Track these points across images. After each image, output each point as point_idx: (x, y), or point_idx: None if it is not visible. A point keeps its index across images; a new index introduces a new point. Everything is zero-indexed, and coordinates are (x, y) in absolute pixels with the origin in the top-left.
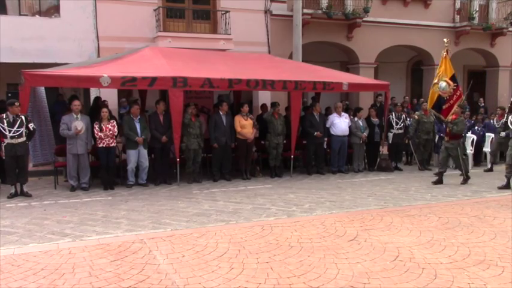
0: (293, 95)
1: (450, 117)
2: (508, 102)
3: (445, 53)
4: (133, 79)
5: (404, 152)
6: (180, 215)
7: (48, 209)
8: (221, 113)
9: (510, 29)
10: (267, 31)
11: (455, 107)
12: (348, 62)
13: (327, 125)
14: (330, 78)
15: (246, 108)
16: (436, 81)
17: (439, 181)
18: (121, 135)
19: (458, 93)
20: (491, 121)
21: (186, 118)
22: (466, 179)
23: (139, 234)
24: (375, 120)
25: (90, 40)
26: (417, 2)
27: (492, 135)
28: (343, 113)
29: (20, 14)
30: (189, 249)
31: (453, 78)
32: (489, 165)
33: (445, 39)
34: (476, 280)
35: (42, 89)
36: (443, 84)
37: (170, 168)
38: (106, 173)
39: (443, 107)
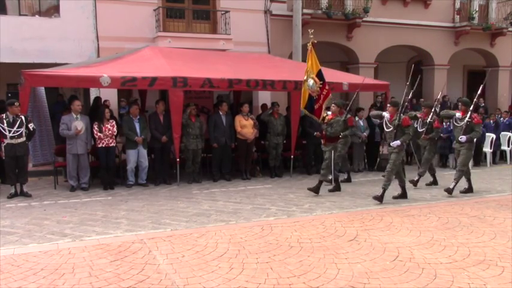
0: (293, 95)
1: (327, 118)
2: (508, 102)
3: (310, 47)
4: (133, 79)
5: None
6: (180, 215)
7: (48, 209)
8: (221, 113)
9: (510, 29)
10: (267, 31)
11: (332, 106)
12: (348, 62)
13: None
14: (330, 78)
15: (246, 108)
16: (305, 78)
17: (337, 188)
18: (121, 135)
19: (325, 92)
20: (491, 121)
21: (184, 118)
22: (335, 187)
23: (139, 234)
24: (375, 120)
25: (90, 40)
26: (417, 2)
27: (492, 135)
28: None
29: (20, 14)
30: (189, 249)
31: (319, 75)
32: (416, 178)
33: (309, 30)
34: (476, 280)
35: (42, 89)
36: (311, 81)
37: (170, 168)
38: (106, 173)
39: (315, 106)
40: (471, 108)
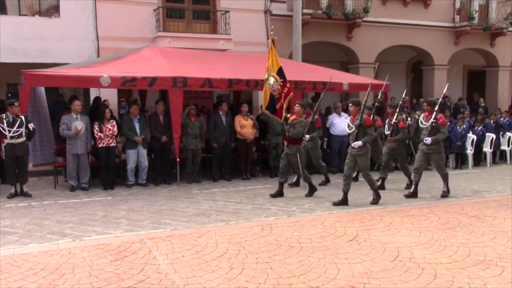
0: (293, 95)
1: (290, 118)
2: (508, 102)
3: (271, 44)
4: (133, 79)
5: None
6: (180, 215)
7: (48, 209)
8: (221, 113)
9: (510, 29)
10: (267, 31)
11: (295, 107)
12: (348, 62)
13: (327, 125)
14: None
15: (245, 108)
16: (266, 77)
17: (279, 193)
18: (121, 135)
19: (286, 90)
20: (491, 121)
21: (182, 118)
22: (311, 191)
23: (139, 234)
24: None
25: (90, 40)
26: (417, 2)
27: (492, 135)
28: (342, 113)
29: (20, 14)
30: (189, 249)
31: (280, 73)
32: (379, 182)
33: (270, 27)
34: (476, 280)
35: (42, 89)
36: (272, 80)
37: (170, 168)
38: (106, 173)
39: (277, 106)
40: (436, 109)
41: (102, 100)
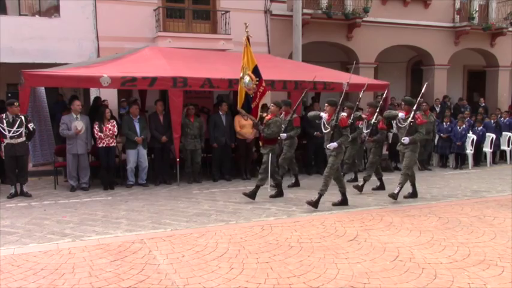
0: (293, 95)
1: (266, 118)
2: (508, 102)
3: (245, 41)
4: (133, 79)
5: None
6: (180, 215)
7: (48, 209)
8: (221, 113)
9: (510, 29)
10: (267, 31)
11: (271, 106)
12: (348, 62)
13: None
14: (330, 78)
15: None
16: (241, 75)
17: (252, 194)
18: (121, 135)
19: (262, 89)
20: (491, 121)
21: (181, 118)
22: (278, 192)
23: (139, 234)
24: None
25: (90, 40)
26: (417, 2)
27: (492, 135)
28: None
29: (20, 14)
30: (189, 249)
31: (255, 71)
32: (353, 176)
33: (245, 23)
34: (476, 280)
35: (42, 89)
36: (247, 79)
37: (170, 168)
38: (106, 173)
39: (252, 105)
40: (414, 108)
41: (101, 100)
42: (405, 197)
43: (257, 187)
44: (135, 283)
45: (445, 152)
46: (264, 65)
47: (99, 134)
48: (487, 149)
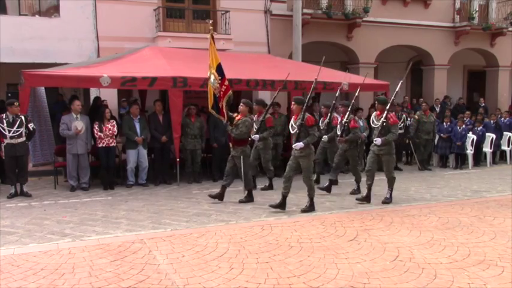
0: (293, 95)
1: (235, 118)
2: (508, 102)
3: (210, 39)
4: (133, 79)
5: (404, 152)
6: (180, 215)
7: (48, 209)
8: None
9: (510, 29)
10: (267, 31)
11: (240, 106)
12: (347, 62)
13: None
14: (330, 78)
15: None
16: (208, 74)
17: (219, 196)
18: (121, 135)
19: (224, 88)
20: (491, 121)
21: (182, 118)
22: (248, 198)
23: (139, 234)
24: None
25: (90, 40)
26: (417, 2)
27: (492, 135)
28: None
29: (20, 14)
30: (189, 249)
31: (219, 70)
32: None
33: (208, 21)
34: (476, 280)
35: (42, 89)
36: (212, 78)
37: (170, 168)
38: (106, 173)
39: (219, 105)
40: (388, 108)
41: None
42: (357, 200)
43: (250, 190)
44: (135, 283)
45: (445, 152)
46: (264, 65)
47: (99, 134)
48: (487, 149)
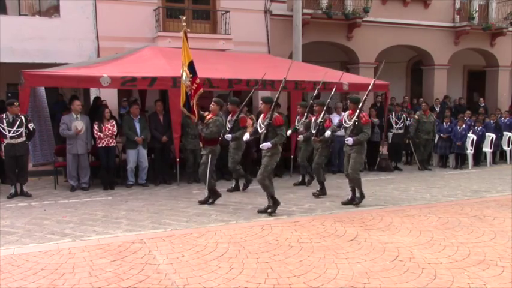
0: (293, 95)
1: (206, 117)
2: (508, 102)
3: (183, 36)
4: (133, 79)
5: (404, 152)
6: (180, 215)
7: (48, 209)
8: (221, 113)
9: (510, 29)
10: (267, 31)
11: (211, 105)
12: (347, 62)
13: None
14: (330, 78)
15: (244, 108)
16: (181, 72)
17: (205, 201)
18: (121, 135)
19: (195, 86)
20: (491, 121)
21: (182, 118)
22: (208, 199)
23: (139, 234)
24: (375, 120)
25: (90, 40)
26: (417, 2)
27: (492, 135)
28: (342, 113)
29: (20, 14)
30: (189, 249)
31: (191, 67)
32: (300, 179)
33: (181, 17)
34: (476, 280)
35: (42, 89)
36: (184, 75)
37: (170, 168)
38: (106, 173)
39: (191, 103)
40: (360, 106)
41: (101, 100)
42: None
43: (211, 189)
44: (135, 283)
45: (445, 152)
46: (264, 65)
47: (99, 133)
48: (487, 149)
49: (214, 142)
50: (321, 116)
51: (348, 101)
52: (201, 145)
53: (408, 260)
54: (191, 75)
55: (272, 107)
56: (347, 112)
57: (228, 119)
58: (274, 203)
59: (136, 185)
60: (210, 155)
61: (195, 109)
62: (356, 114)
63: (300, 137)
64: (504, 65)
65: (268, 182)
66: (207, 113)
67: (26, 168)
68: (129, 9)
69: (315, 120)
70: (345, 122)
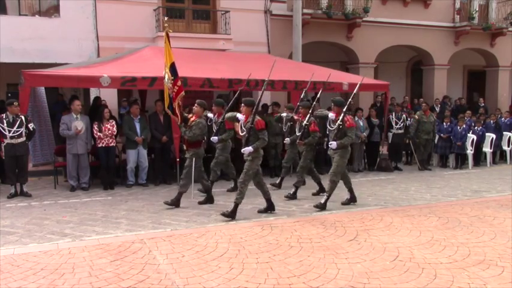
0: (293, 95)
1: (190, 119)
2: (508, 102)
3: (165, 37)
4: (133, 79)
5: (404, 152)
6: (180, 215)
7: (48, 209)
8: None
9: (510, 29)
10: (267, 31)
11: (194, 107)
12: (347, 62)
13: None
14: (330, 78)
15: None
16: (164, 73)
17: (175, 201)
18: (121, 135)
19: (177, 88)
20: (491, 121)
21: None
22: (208, 198)
23: (139, 234)
24: (375, 120)
25: (90, 40)
26: (417, 2)
27: (492, 135)
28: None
29: (20, 14)
30: (189, 249)
31: (172, 69)
32: (278, 180)
33: (164, 18)
34: (476, 280)
35: (42, 89)
36: (166, 77)
37: (170, 168)
38: (106, 173)
39: (173, 105)
40: (344, 109)
41: (101, 100)
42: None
43: (179, 194)
44: (135, 283)
45: (445, 152)
46: (264, 65)
47: (98, 133)
48: (487, 149)
49: (198, 145)
50: (306, 118)
51: (332, 104)
52: (185, 148)
53: (408, 260)
54: (172, 78)
55: (254, 110)
56: (331, 114)
57: (213, 121)
58: (269, 206)
59: (136, 185)
60: (193, 158)
61: (177, 111)
62: (340, 117)
63: (287, 140)
64: (504, 65)
65: (246, 188)
66: (190, 115)
67: (26, 168)
68: (129, 9)
69: (300, 123)
70: (329, 125)
